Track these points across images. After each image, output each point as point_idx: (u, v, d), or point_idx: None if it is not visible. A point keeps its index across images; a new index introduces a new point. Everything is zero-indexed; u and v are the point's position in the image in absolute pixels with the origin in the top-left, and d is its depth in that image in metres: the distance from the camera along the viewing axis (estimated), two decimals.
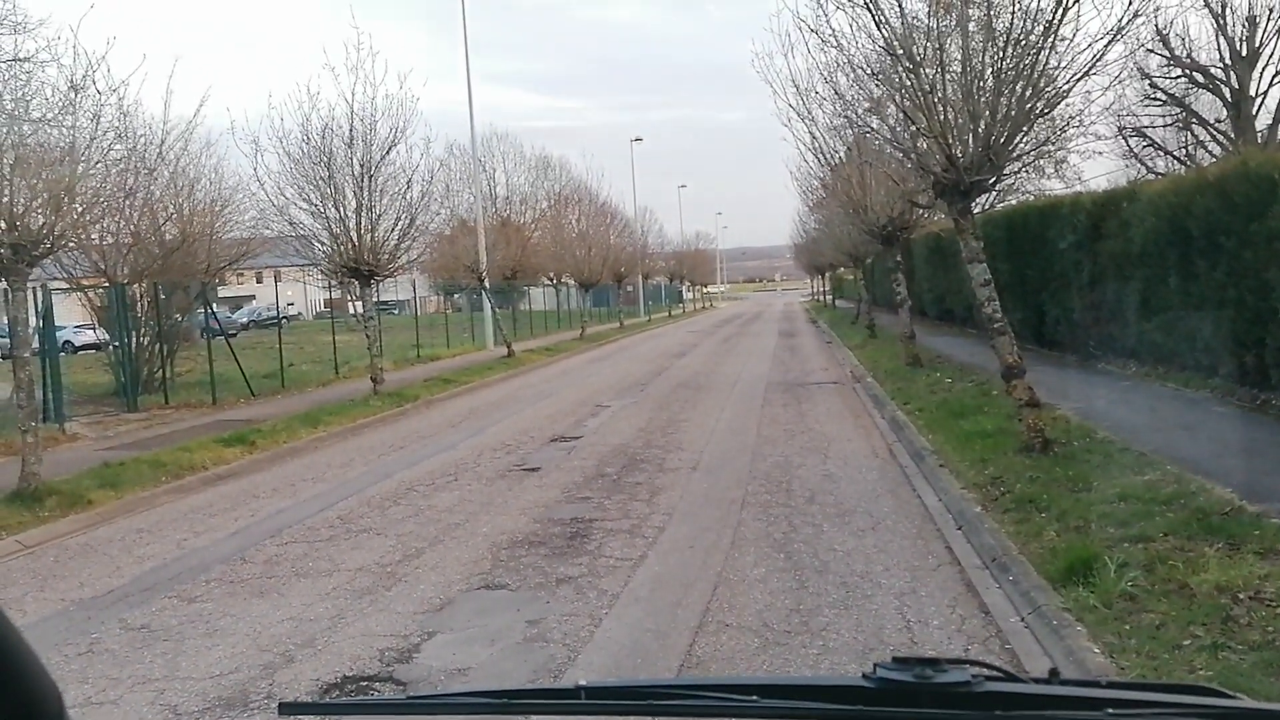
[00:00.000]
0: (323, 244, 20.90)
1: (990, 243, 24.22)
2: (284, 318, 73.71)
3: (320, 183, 19.96)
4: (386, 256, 20.92)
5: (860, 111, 13.54)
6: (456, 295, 62.41)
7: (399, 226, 20.87)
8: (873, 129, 13.61)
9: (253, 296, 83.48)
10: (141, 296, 23.16)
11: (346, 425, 17.95)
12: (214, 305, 27.31)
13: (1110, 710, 1.29)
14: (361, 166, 20.00)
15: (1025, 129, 9.91)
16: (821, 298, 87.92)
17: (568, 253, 46.13)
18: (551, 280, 53.54)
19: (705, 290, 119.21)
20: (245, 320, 70.97)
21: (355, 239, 20.31)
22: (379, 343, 21.55)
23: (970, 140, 9.95)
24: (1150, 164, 30.00)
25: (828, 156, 21.28)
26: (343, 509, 10.96)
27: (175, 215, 23.71)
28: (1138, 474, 9.19)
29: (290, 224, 20.60)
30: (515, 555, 8.55)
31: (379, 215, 20.54)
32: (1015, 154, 10.42)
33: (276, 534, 9.94)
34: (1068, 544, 7.34)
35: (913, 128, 10.16)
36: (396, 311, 70.74)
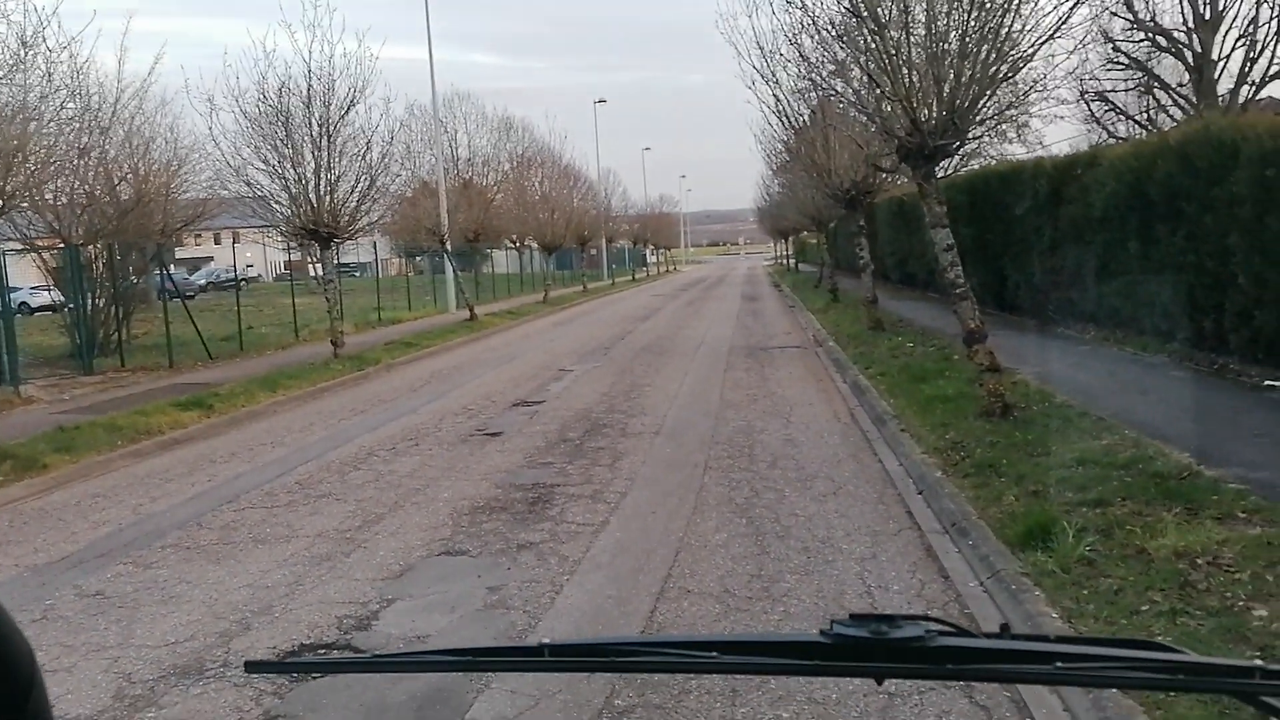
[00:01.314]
0: (280, 206, 20.56)
1: (952, 207, 24.16)
2: (243, 280, 73.00)
3: (278, 143, 19.64)
4: (346, 219, 20.63)
5: (825, 74, 13.45)
6: (419, 258, 61.88)
7: (358, 188, 20.57)
8: (837, 92, 13.51)
9: (210, 258, 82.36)
10: (95, 258, 22.78)
11: (306, 389, 17.78)
12: (171, 267, 26.85)
13: (1059, 664, 1.33)
14: (319, 126, 19.68)
15: (989, 93, 9.88)
16: (785, 261, 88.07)
17: (530, 215, 45.79)
18: (514, 243, 53.13)
19: (669, 253, 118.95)
20: (203, 282, 70.01)
21: (314, 201, 20.02)
22: (339, 306, 21.31)
23: (934, 104, 9.91)
24: (1112, 128, 30.13)
25: (792, 120, 21.21)
26: (302, 474, 10.85)
27: (130, 175, 23.24)
28: (1096, 438, 9.26)
29: (247, 184, 20.24)
30: (476, 521, 8.49)
31: (338, 177, 20.23)
32: (979, 118, 10.39)
33: (234, 500, 9.82)
34: (1026, 508, 7.39)
35: (877, 90, 10.09)
36: (358, 274, 70.06)
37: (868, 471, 9.76)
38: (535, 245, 49.86)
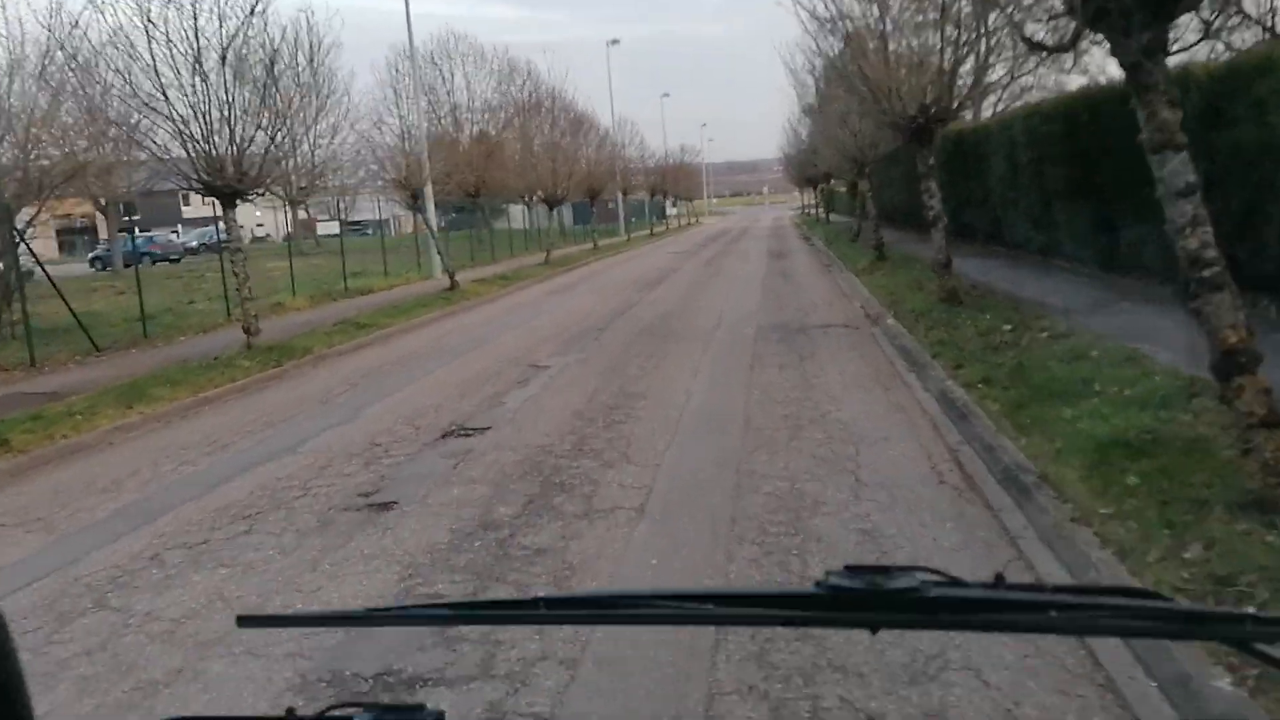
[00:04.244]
0: (167, 153, 15.59)
1: (1041, 141, 19.24)
2: (228, 242, 68.90)
3: (154, 68, 14.66)
4: (253, 170, 15.67)
5: None
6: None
7: (260, 129, 15.49)
8: None
9: (217, 218, 78.36)
10: None
11: (183, 400, 13.04)
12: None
13: (1053, 613, 1.29)
14: (204, 43, 14.62)
15: None
16: (813, 211, 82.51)
17: (531, 168, 40.75)
18: (524, 198, 48.20)
19: (691, 205, 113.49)
20: (194, 244, 65.72)
21: (205, 145, 15.07)
22: (250, 282, 16.46)
23: None
24: (1225, 39, 24.72)
25: (839, 24, 16.07)
26: None
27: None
28: None
29: (117, 125, 15.28)
30: None
31: (239, 113, 15.23)
32: None
33: None
34: None
35: None
36: (370, 232, 64.98)
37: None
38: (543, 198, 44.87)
